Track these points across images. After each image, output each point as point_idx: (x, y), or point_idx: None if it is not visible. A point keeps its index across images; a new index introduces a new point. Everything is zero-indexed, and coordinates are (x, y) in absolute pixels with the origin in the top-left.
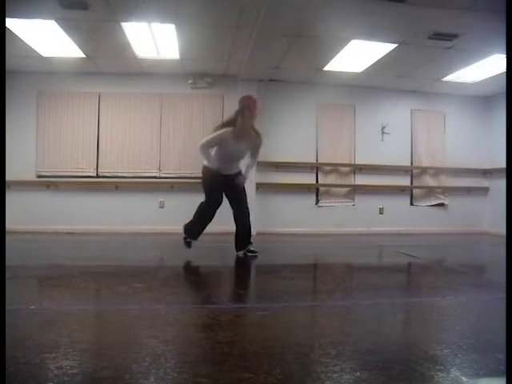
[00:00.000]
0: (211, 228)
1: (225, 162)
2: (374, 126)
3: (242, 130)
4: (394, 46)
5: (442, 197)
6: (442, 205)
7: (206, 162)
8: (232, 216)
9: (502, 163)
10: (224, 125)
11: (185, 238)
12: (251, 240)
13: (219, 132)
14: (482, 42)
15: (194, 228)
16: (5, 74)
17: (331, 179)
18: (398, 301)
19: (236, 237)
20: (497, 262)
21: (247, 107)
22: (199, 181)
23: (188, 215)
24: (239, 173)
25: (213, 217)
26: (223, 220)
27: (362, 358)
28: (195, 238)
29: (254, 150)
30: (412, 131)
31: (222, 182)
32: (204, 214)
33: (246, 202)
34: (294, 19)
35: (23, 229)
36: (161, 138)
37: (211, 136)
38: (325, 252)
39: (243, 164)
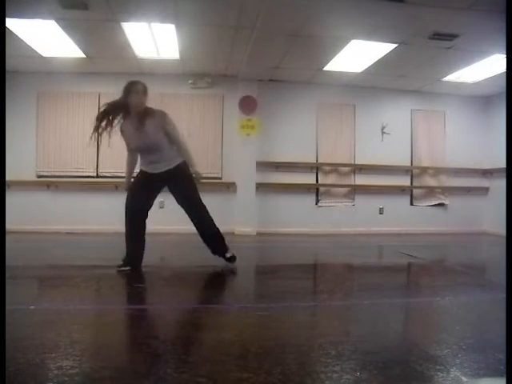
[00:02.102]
0: None
1: (142, 158)
2: (374, 125)
3: (131, 110)
4: (394, 45)
5: (442, 197)
6: (442, 205)
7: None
8: (230, 215)
9: (502, 163)
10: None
11: (122, 265)
12: (224, 242)
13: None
14: (481, 41)
15: (128, 252)
16: (5, 74)
17: (331, 179)
18: (397, 301)
19: (205, 242)
20: (497, 262)
21: (130, 87)
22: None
23: (186, 216)
24: (178, 167)
25: (140, 230)
26: (223, 220)
27: (362, 358)
28: (133, 265)
29: (165, 131)
30: (412, 131)
31: (150, 183)
32: (127, 233)
33: (196, 197)
34: (293, 19)
35: (23, 229)
36: None
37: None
38: (325, 252)
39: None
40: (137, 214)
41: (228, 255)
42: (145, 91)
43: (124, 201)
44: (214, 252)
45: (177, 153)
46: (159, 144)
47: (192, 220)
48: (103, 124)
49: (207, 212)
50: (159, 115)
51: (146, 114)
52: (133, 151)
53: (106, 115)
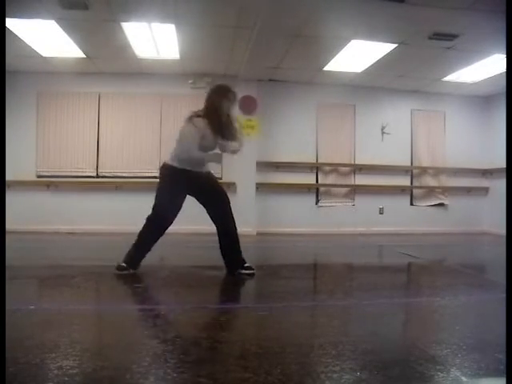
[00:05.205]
0: (211, 227)
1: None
2: (374, 125)
3: (221, 120)
4: (394, 45)
5: (442, 197)
6: (442, 205)
7: (170, 161)
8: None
9: (502, 163)
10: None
11: (122, 267)
12: (241, 252)
13: (196, 125)
14: (481, 41)
15: (135, 252)
16: (5, 74)
17: (331, 179)
18: (397, 301)
19: (223, 252)
20: (497, 262)
21: (226, 93)
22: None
23: (186, 215)
24: (211, 172)
25: (156, 239)
26: None
27: (362, 358)
28: (134, 266)
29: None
30: (412, 131)
31: (188, 182)
32: (144, 236)
33: (228, 203)
34: (293, 19)
35: (23, 229)
36: (161, 138)
37: (190, 135)
38: (325, 252)
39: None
40: (166, 221)
41: (245, 265)
42: (235, 100)
43: (124, 201)
44: (230, 270)
45: None
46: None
47: (217, 228)
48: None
49: (234, 225)
50: (236, 128)
51: (227, 120)
52: (199, 150)
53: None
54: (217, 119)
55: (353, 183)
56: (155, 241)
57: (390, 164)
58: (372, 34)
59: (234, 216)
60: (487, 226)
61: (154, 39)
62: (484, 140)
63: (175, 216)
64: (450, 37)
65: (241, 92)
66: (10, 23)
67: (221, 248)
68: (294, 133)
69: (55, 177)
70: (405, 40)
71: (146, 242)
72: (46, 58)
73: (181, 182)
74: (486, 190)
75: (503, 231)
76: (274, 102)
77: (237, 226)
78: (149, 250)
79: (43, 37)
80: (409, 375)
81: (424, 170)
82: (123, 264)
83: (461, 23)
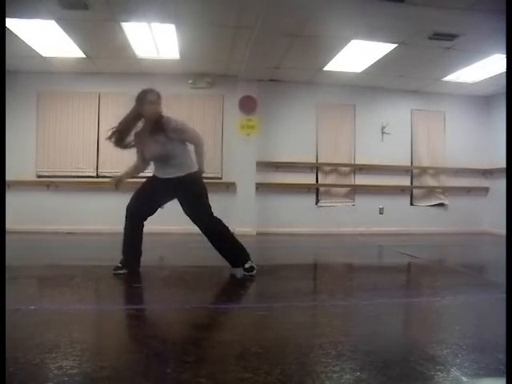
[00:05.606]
0: None
1: (155, 164)
2: (374, 125)
3: (145, 119)
4: (394, 45)
5: (442, 197)
6: (442, 205)
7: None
8: (230, 215)
9: (502, 163)
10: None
11: (116, 267)
12: (242, 250)
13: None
14: (481, 42)
15: (123, 251)
16: (5, 74)
17: (331, 179)
18: (397, 301)
19: (220, 252)
20: (497, 262)
21: (144, 96)
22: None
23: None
24: (188, 176)
25: (137, 231)
26: (223, 220)
27: (362, 358)
28: (130, 267)
29: (180, 139)
30: (412, 131)
31: (158, 189)
32: (125, 233)
33: (202, 207)
34: (294, 19)
35: (23, 229)
36: None
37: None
38: (325, 252)
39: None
40: (136, 215)
41: (246, 266)
42: (159, 100)
43: (124, 201)
44: (233, 265)
45: (192, 161)
46: (172, 153)
47: (202, 232)
48: (119, 143)
49: (218, 224)
50: (172, 126)
51: (160, 123)
52: (146, 160)
53: (120, 135)
54: (128, 127)
55: (353, 183)
56: (136, 235)
57: (390, 164)
58: (372, 34)
59: (234, 216)
60: (487, 226)
61: (154, 39)
62: (484, 140)
63: (149, 210)
64: (450, 37)
65: (241, 92)
66: (10, 23)
67: (215, 248)
68: (293, 133)
69: (55, 177)
70: (405, 40)
71: (126, 237)
72: (45, 57)
73: (155, 187)
74: (485, 190)
75: (503, 231)
76: (274, 102)
77: (237, 225)
78: (136, 246)
79: (43, 37)
80: (409, 375)
81: (424, 170)
82: (119, 264)
83: (461, 23)
